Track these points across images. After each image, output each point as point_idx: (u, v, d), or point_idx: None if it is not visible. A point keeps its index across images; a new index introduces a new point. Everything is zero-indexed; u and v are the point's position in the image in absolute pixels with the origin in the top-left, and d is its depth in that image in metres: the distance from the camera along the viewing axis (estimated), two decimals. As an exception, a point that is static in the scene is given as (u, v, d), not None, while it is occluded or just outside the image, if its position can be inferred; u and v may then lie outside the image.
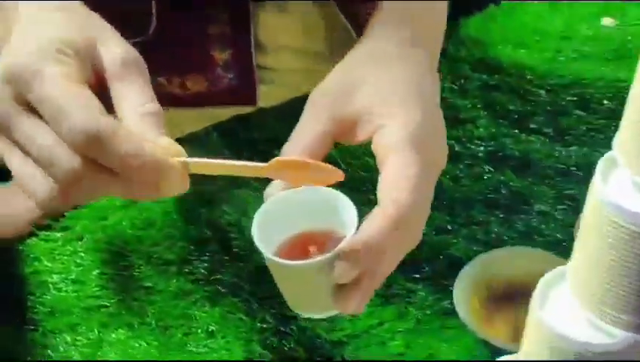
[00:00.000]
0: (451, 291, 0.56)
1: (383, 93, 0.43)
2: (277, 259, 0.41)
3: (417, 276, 0.58)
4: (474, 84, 0.73)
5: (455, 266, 0.58)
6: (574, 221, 0.60)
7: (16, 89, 0.35)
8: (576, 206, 0.61)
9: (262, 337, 0.56)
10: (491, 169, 0.66)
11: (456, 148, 0.68)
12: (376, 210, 0.40)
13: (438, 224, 0.62)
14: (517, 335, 0.52)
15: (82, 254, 0.64)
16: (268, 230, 0.42)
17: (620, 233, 0.29)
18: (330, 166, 0.41)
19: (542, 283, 0.33)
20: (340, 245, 0.39)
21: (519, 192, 0.63)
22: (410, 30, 0.47)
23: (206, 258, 0.62)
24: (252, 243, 0.61)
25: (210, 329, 0.57)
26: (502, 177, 0.64)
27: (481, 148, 0.68)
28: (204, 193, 0.67)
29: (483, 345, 0.53)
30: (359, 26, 0.66)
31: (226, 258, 0.62)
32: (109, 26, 0.40)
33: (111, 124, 0.35)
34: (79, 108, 0.34)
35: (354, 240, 0.39)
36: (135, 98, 0.37)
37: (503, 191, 0.63)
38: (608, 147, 0.65)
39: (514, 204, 0.62)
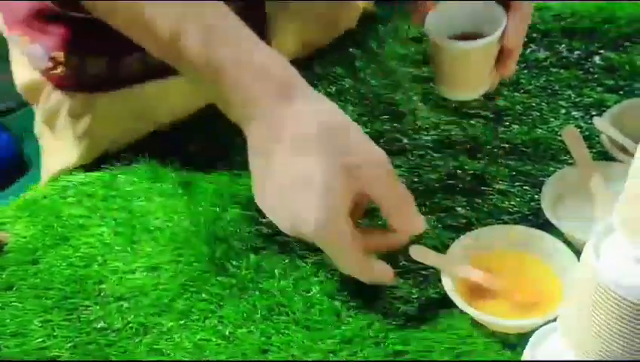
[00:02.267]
0: (432, 281, 0.55)
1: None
2: (459, 43, 0.54)
3: (397, 271, 0.56)
4: (405, 78, 0.73)
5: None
6: (534, 195, 0.61)
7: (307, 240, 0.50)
8: (532, 181, 0.62)
9: (247, 359, 0.51)
10: (443, 156, 0.65)
11: (405, 141, 0.67)
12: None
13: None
14: (508, 311, 0.52)
15: (17, 304, 0.56)
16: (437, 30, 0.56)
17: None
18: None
19: (594, 236, 0.32)
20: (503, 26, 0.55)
21: (476, 175, 0.64)
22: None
23: (163, 286, 0.56)
24: (214, 259, 0.57)
25: (186, 362, 0.52)
26: (456, 163, 0.65)
27: (428, 138, 0.67)
28: (146, 216, 0.61)
29: (477, 328, 0.51)
30: None
31: (188, 282, 0.57)
32: (360, 135, 0.49)
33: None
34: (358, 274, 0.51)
35: (519, 10, 0.55)
36: (393, 196, 0.50)
37: (461, 176, 0.63)
38: (545, 123, 0.68)
39: (473, 187, 0.63)
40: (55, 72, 0.64)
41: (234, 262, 0.57)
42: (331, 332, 0.52)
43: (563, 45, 0.75)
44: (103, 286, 0.57)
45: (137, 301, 0.56)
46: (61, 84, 0.65)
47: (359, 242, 0.49)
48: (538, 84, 0.72)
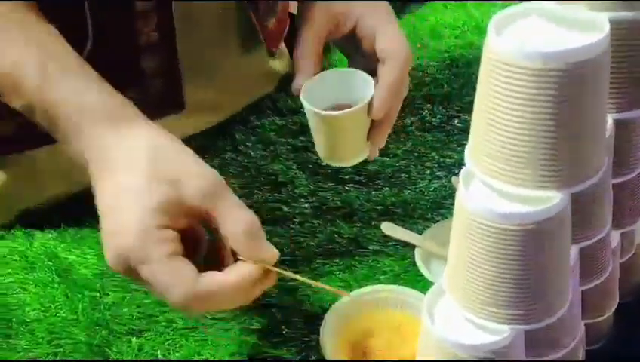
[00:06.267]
0: (314, 346, 0.57)
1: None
2: (328, 112, 0.56)
3: (278, 339, 0.58)
4: (283, 148, 0.77)
5: (312, 321, 0.59)
6: (405, 253, 0.65)
7: (128, 264, 0.45)
8: (402, 241, 0.66)
9: None
10: (321, 222, 0.69)
11: (285, 209, 0.70)
12: (387, 65, 0.57)
13: (285, 284, 0.62)
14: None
15: None
16: (311, 98, 0.57)
17: (481, 230, 0.33)
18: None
19: (427, 299, 0.36)
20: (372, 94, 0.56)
21: (351, 238, 0.67)
22: None
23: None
24: (92, 347, 0.56)
25: None
26: (333, 227, 0.68)
27: (307, 205, 0.70)
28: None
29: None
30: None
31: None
32: (189, 156, 0.48)
33: (204, 288, 0.44)
34: (179, 287, 0.44)
35: (381, 85, 0.57)
36: (232, 219, 0.46)
37: (338, 240, 0.67)
38: (413, 184, 0.73)
39: (350, 250, 0.66)
40: None
41: (114, 348, 0.56)
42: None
43: (426, 111, 0.82)
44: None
45: None
46: None
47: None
48: (405, 148, 0.77)
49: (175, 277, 0.43)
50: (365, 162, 0.75)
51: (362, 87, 0.58)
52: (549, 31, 0.34)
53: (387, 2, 0.60)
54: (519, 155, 0.33)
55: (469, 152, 0.36)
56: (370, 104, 0.57)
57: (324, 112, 0.56)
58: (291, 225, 0.68)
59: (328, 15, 0.58)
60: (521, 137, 0.33)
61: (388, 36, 0.58)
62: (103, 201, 0.46)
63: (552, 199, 0.33)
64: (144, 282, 0.45)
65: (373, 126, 0.59)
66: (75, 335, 0.57)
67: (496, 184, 0.34)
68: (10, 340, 0.58)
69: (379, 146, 0.60)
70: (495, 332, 0.34)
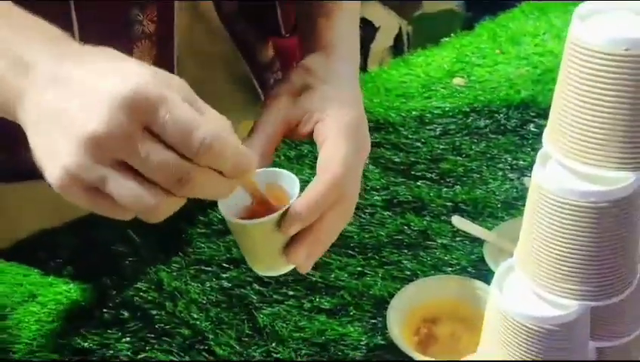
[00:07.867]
0: (380, 328, 0.59)
1: (324, 99, 0.53)
2: (236, 219, 0.47)
3: (346, 319, 0.60)
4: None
5: (379, 305, 0.61)
6: (473, 248, 0.67)
7: (139, 114, 0.39)
8: (472, 236, 0.68)
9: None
10: (391, 214, 0.71)
11: (357, 200, 0.72)
12: (315, 179, 0.49)
13: (355, 270, 0.65)
14: (451, 355, 0.56)
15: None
16: (230, 202, 0.47)
17: (555, 206, 0.35)
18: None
19: (497, 275, 0.37)
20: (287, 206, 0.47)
21: (421, 231, 0.69)
22: (347, 49, 0.57)
23: (128, 339, 0.60)
24: (177, 316, 0.61)
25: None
26: (403, 220, 0.70)
27: (378, 197, 0.73)
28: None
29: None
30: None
31: (151, 335, 0.60)
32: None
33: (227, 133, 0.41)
34: (207, 122, 0.40)
35: (298, 199, 0.47)
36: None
37: (407, 232, 0.69)
38: (484, 184, 0.74)
39: (418, 242, 0.68)
40: None
41: (194, 315, 0.60)
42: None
43: (501, 114, 0.83)
44: (64, 340, 0.60)
45: (105, 352, 0.58)
46: None
47: None
48: (478, 149, 0.79)
49: (200, 117, 0.40)
50: (437, 160, 0.77)
51: (291, 190, 0.49)
52: (629, 21, 0.35)
53: (357, 112, 0.52)
54: (597, 137, 0.34)
55: (547, 134, 0.38)
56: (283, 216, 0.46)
57: (231, 219, 0.47)
58: (362, 215, 0.71)
59: (286, 116, 0.52)
60: (600, 120, 0.34)
61: (329, 150, 0.50)
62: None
63: (626, 179, 0.35)
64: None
65: (291, 241, 0.48)
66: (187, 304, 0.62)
67: (572, 164, 0.35)
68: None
69: (296, 264, 0.49)
70: (562, 307, 0.36)
